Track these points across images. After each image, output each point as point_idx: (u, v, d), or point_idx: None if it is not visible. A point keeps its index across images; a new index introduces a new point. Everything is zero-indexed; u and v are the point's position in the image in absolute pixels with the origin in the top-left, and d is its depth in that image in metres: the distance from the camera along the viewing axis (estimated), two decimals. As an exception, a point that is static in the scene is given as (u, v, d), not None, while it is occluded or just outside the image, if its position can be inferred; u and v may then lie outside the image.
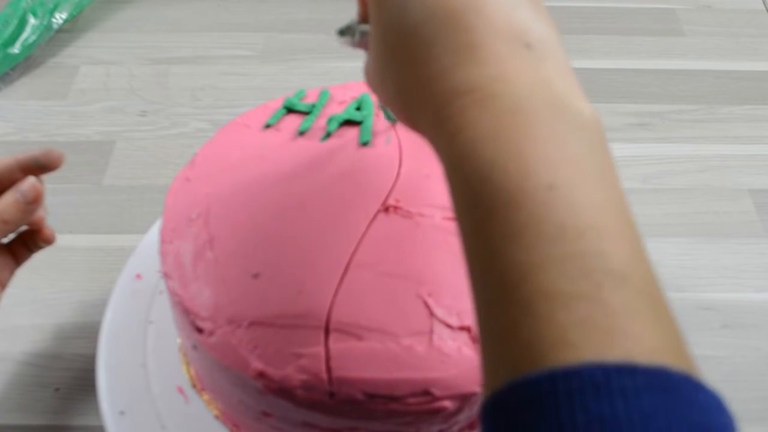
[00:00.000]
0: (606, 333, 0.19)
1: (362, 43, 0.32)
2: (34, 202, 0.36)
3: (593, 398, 0.17)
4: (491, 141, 0.22)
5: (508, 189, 0.21)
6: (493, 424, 0.20)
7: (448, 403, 0.34)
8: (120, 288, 0.50)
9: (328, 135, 0.43)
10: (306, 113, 0.45)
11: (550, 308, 0.19)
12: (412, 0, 0.25)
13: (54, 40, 0.74)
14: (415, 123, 0.27)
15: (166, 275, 0.38)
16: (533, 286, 0.20)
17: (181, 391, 0.45)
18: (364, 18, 0.31)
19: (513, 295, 0.20)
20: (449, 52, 0.24)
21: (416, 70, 0.25)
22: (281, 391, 0.34)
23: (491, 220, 0.21)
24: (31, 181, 0.36)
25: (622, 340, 0.18)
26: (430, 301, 0.35)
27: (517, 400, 0.19)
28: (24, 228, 0.39)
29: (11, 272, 0.39)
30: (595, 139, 0.23)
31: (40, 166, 0.37)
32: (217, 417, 0.44)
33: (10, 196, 0.36)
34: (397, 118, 0.28)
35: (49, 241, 0.40)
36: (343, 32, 0.33)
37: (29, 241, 0.40)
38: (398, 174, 0.41)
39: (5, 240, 0.38)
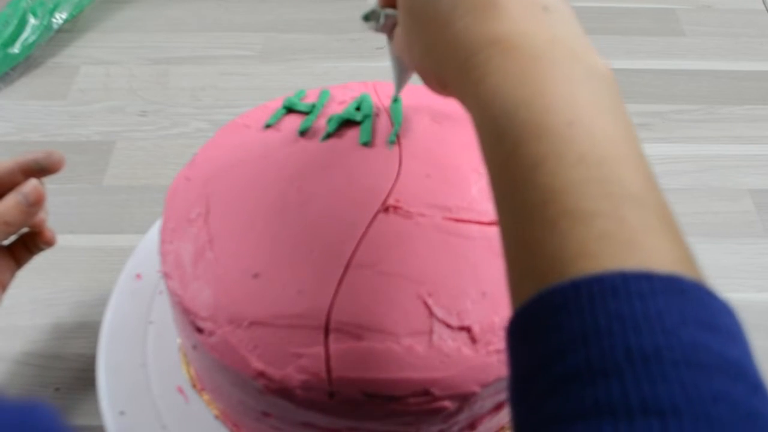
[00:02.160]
0: (624, 245, 0.20)
1: (385, 26, 0.33)
2: (35, 204, 0.36)
3: (613, 300, 0.19)
4: (516, 83, 0.24)
5: (531, 124, 0.23)
6: (522, 333, 0.21)
7: (448, 403, 0.34)
8: (120, 288, 0.50)
9: (328, 135, 0.43)
10: (306, 113, 0.45)
11: (572, 225, 0.21)
12: None
13: (54, 40, 0.74)
14: (441, 80, 0.29)
15: (166, 275, 0.38)
16: (557, 207, 0.21)
17: (181, 391, 0.45)
18: (385, 2, 0.33)
19: (538, 216, 0.22)
20: (471, 11, 0.26)
21: (441, 29, 0.27)
22: (281, 391, 0.34)
23: (517, 152, 0.23)
24: (33, 183, 0.36)
25: (640, 251, 0.20)
26: (430, 301, 0.35)
27: (544, 308, 0.20)
28: (25, 230, 0.39)
29: (12, 274, 0.39)
30: (609, 86, 0.25)
31: (41, 169, 0.37)
32: (217, 417, 0.44)
33: (12, 198, 0.36)
34: (424, 81, 0.31)
35: (49, 243, 0.40)
36: (368, 17, 0.34)
37: (30, 242, 0.40)
38: (398, 174, 0.41)
39: (6, 242, 0.38)
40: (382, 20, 0.34)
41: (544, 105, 0.23)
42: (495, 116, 0.24)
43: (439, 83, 0.29)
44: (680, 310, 0.19)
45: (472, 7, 0.26)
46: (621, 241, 0.20)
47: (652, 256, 0.20)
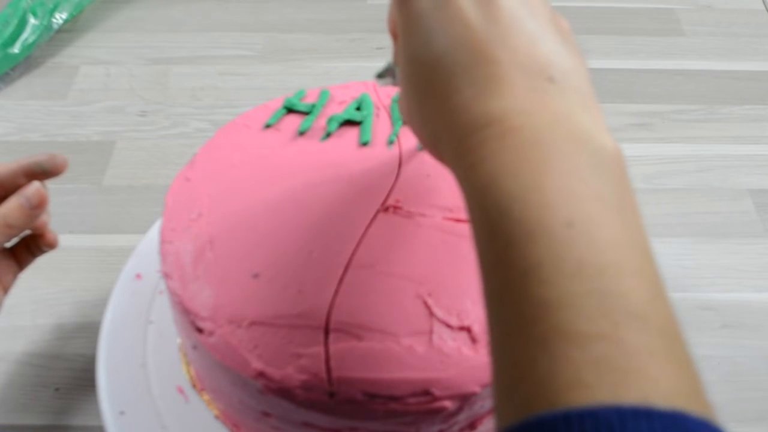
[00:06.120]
0: (622, 374, 0.18)
1: None
2: (38, 207, 0.36)
3: None
4: (511, 174, 0.22)
5: (527, 223, 0.21)
6: None
7: (448, 403, 0.34)
8: (120, 288, 0.50)
9: (328, 135, 0.43)
10: (306, 113, 0.45)
11: (566, 347, 0.19)
12: (436, 30, 0.25)
13: (54, 40, 0.74)
14: (438, 153, 0.27)
15: (166, 275, 0.38)
16: (550, 324, 0.19)
17: (181, 391, 0.45)
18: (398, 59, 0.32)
19: (530, 332, 0.20)
20: (471, 83, 0.24)
21: (439, 101, 0.25)
22: (281, 391, 0.34)
23: (510, 253, 0.21)
24: (36, 186, 0.36)
25: (639, 381, 0.18)
26: (430, 301, 0.35)
27: None
28: (27, 232, 0.39)
29: (14, 276, 0.39)
30: (616, 174, 0.22)
31: (44, 171, 0.37)
32: (217, 417, 0.44)
33: (15, 201, 0.36)
34: (423, 147, 0.28)
35: (52, 246, 0.40)
36: (382, 75, 0.33)
37: (32, 245, 0.40)
38: (398, 174, 0.41)
39: (8, 244, 0.38)
40: (398, 76, 0.32)
41: (540, 201, 0.21)
42: (488, 209, 0.22)
43: (436, 155, 0.27)
44: None
45: (472, 78, 0.24)
46: (619, 369, 0.18)
47: (653, 387, 0.18)
